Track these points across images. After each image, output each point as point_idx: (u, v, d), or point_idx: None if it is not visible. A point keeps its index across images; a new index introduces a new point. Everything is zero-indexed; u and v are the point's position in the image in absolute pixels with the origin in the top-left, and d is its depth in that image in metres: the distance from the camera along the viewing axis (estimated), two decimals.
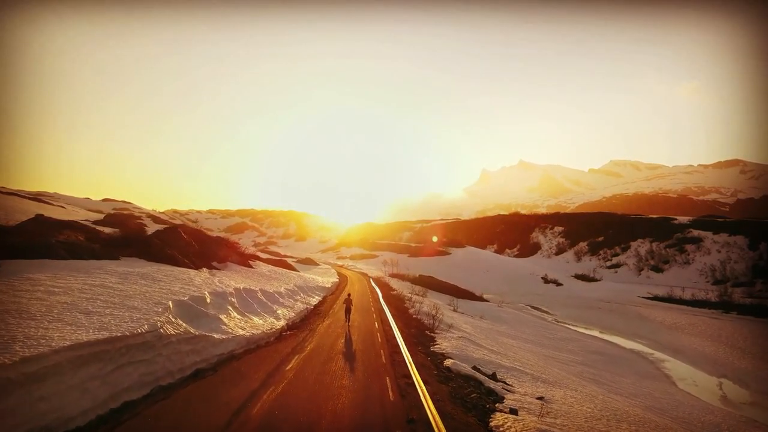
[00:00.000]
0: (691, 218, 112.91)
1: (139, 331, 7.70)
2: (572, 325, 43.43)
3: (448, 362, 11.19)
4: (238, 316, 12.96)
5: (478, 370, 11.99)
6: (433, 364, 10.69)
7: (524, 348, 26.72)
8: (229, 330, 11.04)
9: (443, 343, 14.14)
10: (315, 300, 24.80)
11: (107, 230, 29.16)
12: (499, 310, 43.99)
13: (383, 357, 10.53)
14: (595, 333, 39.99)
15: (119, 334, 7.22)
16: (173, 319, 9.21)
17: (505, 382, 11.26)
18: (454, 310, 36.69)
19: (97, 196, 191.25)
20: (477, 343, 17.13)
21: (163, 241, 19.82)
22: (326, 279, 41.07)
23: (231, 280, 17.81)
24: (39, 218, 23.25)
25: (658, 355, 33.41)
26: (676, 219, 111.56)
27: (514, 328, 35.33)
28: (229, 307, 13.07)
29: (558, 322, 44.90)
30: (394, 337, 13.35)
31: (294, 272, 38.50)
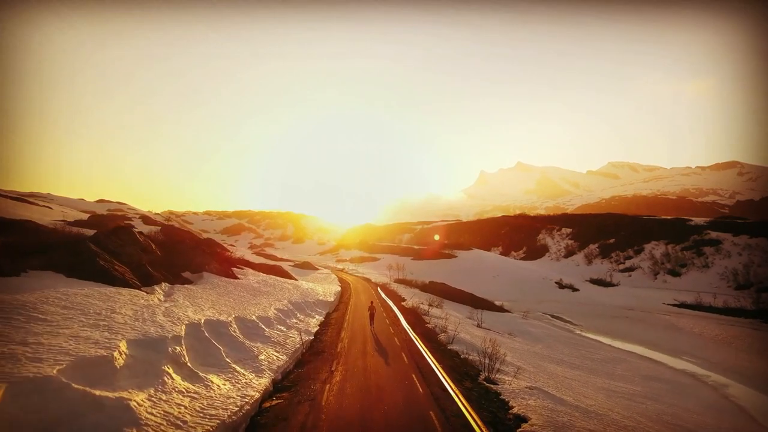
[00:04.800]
0: (707, 219, 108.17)
1: None
2: (605, 339, 38.47)
3: None
4: (181, 383, 7.11)
5: None
6: None
7: (577, 379, 21.25)
8: None
9: (531, 416, 8.47)
10: (315, 322, 19.00)
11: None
12: (525, 323, 38.39)
13: None
14: (635, 349, 35.11)
15: None
16: None
17: None
18: (478, 326, 31.18)
19: (94, 198, 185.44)
20: (558, 398, 11.48)
21: (103, 247, 13.99)
22: (327, 288, 35.13)
23: (192, 306, 11.92)
24: None
25: (715, 377, 28.49)
26: (691, 220, 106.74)
27: (551, 348, 29.90)
28: (168, 368, 7.19)
29: (587, 335, 39.67)
30: (459, 412, 7.65)
31: (290, 281, 32.56)
